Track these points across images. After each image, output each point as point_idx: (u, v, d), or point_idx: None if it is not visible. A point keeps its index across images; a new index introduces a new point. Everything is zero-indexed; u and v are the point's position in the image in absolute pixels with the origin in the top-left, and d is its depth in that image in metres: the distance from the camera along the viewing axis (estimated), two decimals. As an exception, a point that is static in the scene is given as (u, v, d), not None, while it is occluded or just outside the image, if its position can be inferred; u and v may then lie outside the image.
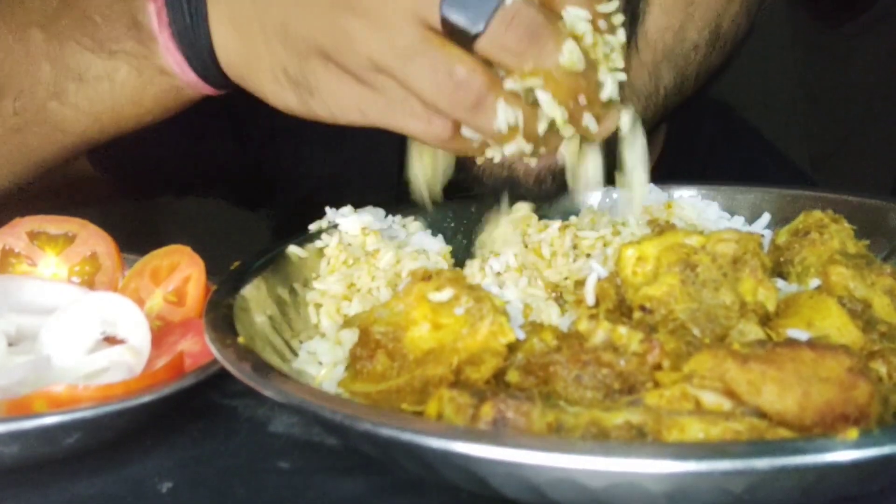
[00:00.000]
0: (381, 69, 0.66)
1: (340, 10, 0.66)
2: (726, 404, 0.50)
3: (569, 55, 0.63)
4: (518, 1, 0.62)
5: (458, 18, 0.63)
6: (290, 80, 0.72)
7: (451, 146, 0.69)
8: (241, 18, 0.74)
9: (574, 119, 0.65)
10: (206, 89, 0.80)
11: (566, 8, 0.64)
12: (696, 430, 0.48)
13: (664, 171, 1.08)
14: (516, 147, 0.66)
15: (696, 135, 1.20)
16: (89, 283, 0.80)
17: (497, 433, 0.49)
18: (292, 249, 0.77)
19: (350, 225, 0.79)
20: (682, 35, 0.87)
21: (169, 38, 0.77)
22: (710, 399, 0.51)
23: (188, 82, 0.79)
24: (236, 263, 0.74)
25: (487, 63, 0.64)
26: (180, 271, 0.77)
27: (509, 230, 0.81)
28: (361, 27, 0.65)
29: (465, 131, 0.67)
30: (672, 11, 0.85)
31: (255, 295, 0.71)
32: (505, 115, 0.64)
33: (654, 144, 1.13)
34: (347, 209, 0.80)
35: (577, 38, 0.64)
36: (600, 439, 0.49)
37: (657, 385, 0.53)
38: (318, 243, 0.78)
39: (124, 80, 0.81)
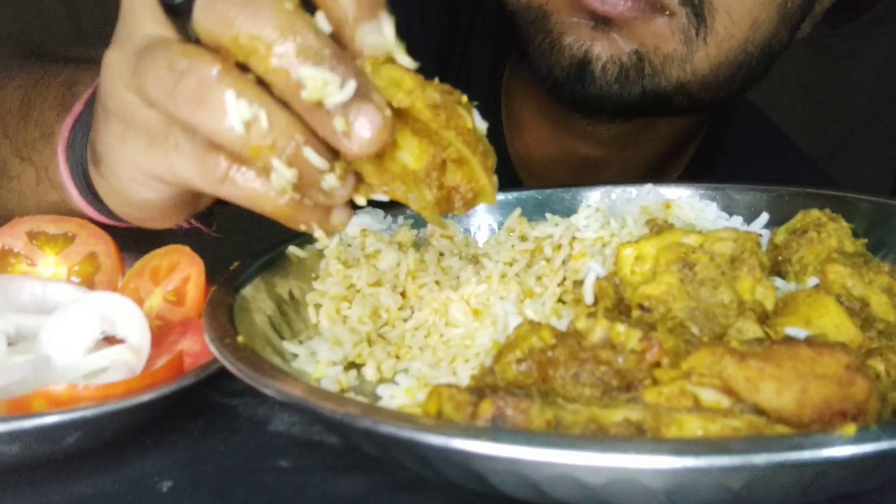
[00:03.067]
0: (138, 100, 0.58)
1: (110, 54, 0.61)
2: (725, 401, 0.51)
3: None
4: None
5: (170, 7, 0.57)
6: (93, 157, 0.67)
7: (229, 191, 0.57)
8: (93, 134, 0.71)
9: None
10: (84, 207, 0.79)
11: None
12: (694, 427, 0.49)
13: (694, 172, 1.13)
14: (275, 179, 0.54)
15: (732, 135, 1.24)
16: (89, 283, 0.80)
17: (496, 430, 0.49)
18: (292, 250, 0.78)
19: (349, 227, 0.79)
20: (743, 47, 0.98)
21: (62, 151, 0.78)
22: (709, 396, 0.51)
23: (72, 197, 0.79)
24: (236, 263, 0.74)
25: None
26: (180, 271, 0.77)
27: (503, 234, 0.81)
28: (115, 57, 0.59)
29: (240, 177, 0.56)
30: (738, 24, 0.96)
31: (255, 295, 0.71)
32: (237, 109, 0.52)
33: (691, 140, 1.18)
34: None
35: None
36: (599, 436, 0.49)
37: (655, 382, 0.53)
38: (317, 245, 0.78)
39: (30, 183, 0.84)
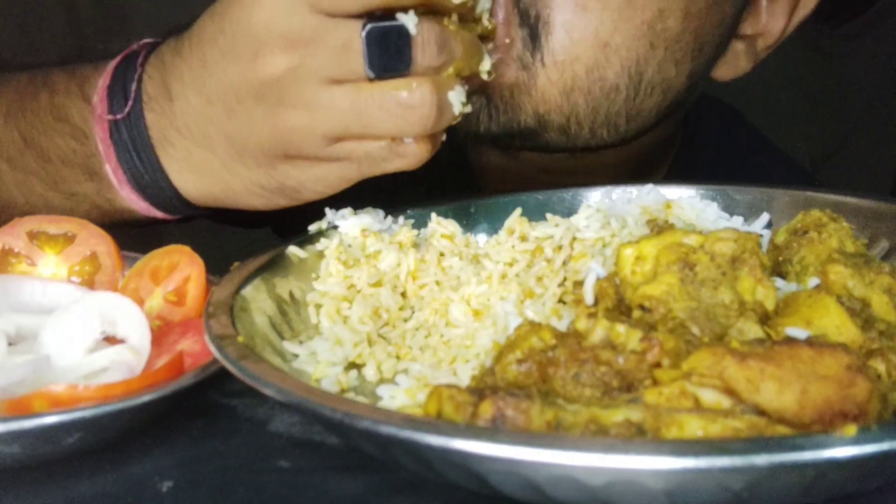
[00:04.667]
0: (339, 138, 0.71)
1: (271, 106, 0.68)
2: (725, 402, 0.51)
3: None
4: (417, 24, 0.70)
5: (385, 68, 0.70)
6: (269, 190, 0.77)
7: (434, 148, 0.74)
8: (193, 158, 0.77)
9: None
10: (175, 218, 0.84)
11: None
12: (695, 428, 0.49)
13: (674, 175, 1.10)
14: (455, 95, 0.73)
15: (706, 141, 1.21)
16: (89, 283, 0.80)
17: (496, 430, 0.49)
18: (292, 250, 0.77)
19: (350, 227, 0.79)
20: (598, 73, 0.91)
21: (131, 192, 0.81)
22: (709, 397, 0.51)
23: (157, 217, 0.83)
24: (236, 263, 0.74)
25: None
26: (180, 271, 0.77)
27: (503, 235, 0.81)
28: (298, 115, 0.68)
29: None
30: (580, 44, 0.89)
31: (255, 295, 0.71)
32: (458, 98, 0.72)
33: (666, 151, 1.15)
34: (347, 211, 0.80)
35: None
36: (599, 437, 0.49)
37: (656, 383, 0.53)
38: (318, 245, 0.78)
39: (87, 212, 0.86)
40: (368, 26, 0.69)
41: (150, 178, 0.81)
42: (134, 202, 0.81)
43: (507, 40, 0.88)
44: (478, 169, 1.18)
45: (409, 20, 0.69)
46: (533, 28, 0.88)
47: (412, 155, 0.72)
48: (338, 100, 0.69)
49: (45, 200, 0.87)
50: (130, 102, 0.78)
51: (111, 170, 0.80)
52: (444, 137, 0.75)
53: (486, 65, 0.79)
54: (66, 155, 0.84)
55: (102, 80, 0.81)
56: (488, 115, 0.93)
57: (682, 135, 1.20)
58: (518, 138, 0.95)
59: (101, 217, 0.84)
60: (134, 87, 0.78)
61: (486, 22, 0.80)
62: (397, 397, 0.63)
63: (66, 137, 0.83)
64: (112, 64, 0.81)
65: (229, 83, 0.73)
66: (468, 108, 0.75)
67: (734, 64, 1.04)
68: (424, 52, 0.69)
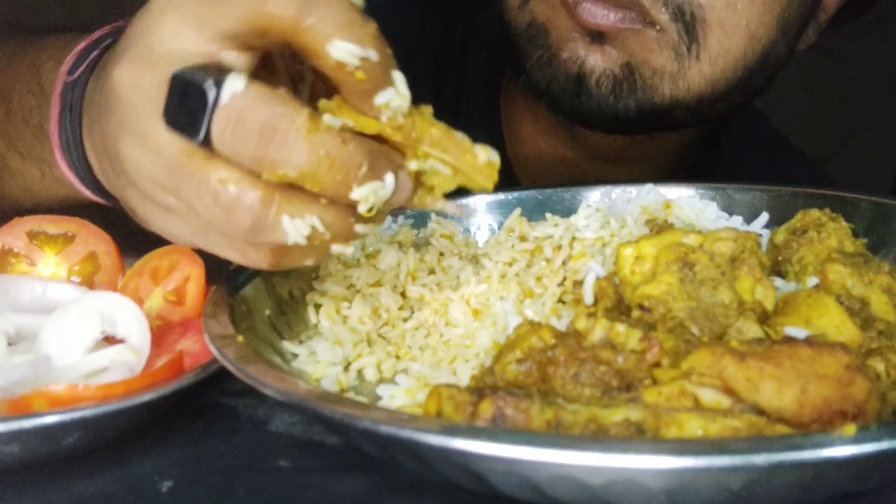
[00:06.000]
0: (166, 192, 0.58)
1: (121, 133, 0.59)
2: (725, 401, 0.51)
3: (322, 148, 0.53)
4: (239, 94, 0.53)
5: (178, 126, 0.55)
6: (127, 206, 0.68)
7: (283, 263, 0.60)
8: (92, 146, 0.72)
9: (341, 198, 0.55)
10: (102, 201, 0.78)
11: (331, 43, 0.53)
12: (694, 427, 0.49)
13: (692, 173, 1.14)
14: (336, 250, 0.58)
15: (728, 138, 1.24)
16: (89, 283, 0.80)
17: (496, 430, 0.49)
18: (292, 249, 0.77)
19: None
20: (743, 62, 0.99)
21: (61, 157, 0.77)
22: (709, 396, 0.51)
23: (90, 197, 0.78)
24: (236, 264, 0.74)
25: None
26: (180, 271, 0.77)
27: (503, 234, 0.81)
28: (133, 149, 0.58)
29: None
30: (733, 38, 0.96)
31: (255, 295, 0.71)
32: (295, 228, 0.55)
33: (687, 148, 1.19)
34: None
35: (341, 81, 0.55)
36: (599, 436, 0.49)
37: (655, 382, 0.53)
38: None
39: (35, 181, 0.83)
40: (176, 71, 0.55)
41: (73, 145, 0.75)
42: (65, 171, 0.77)
43: (657, 28, 0.94)
44: (517, 162, 1.20)
45: (233, 81, 0.53)
46: (689, 25, 0.94)
47: (251, 258, 0.59)
48: (164, 153, 0.56)
49: (3, 161, 0.85)
50: (83, 67, 0.75)
51: (52, 130, 0.76)
52: (309, 262, 0.60)
53: (372, 192, 0.55)
54: (27, 113, 0.82)
55: (80, 45, 0.79)
56: (629, 90, 0.97)
57: (706, 131, 1.23)
58: (648, 118, 1.00)
59: (46, 191, 0.83)
60: (95, 54, 0.74)
61: (399, 119, 0.57)
62: (397, 397, 0.63)
63: (33, 95, 0.81)
64: (97, 33, 0.80)
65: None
66: (347, 250, 0.59)
67: (806, 36, 1.10)
68: (228, 131, 0.53)
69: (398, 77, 0.56)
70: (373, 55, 0.54)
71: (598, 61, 0.96)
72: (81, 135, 0.72)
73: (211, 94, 0.53)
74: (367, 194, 0.55)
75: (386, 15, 0.59)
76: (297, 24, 0.53)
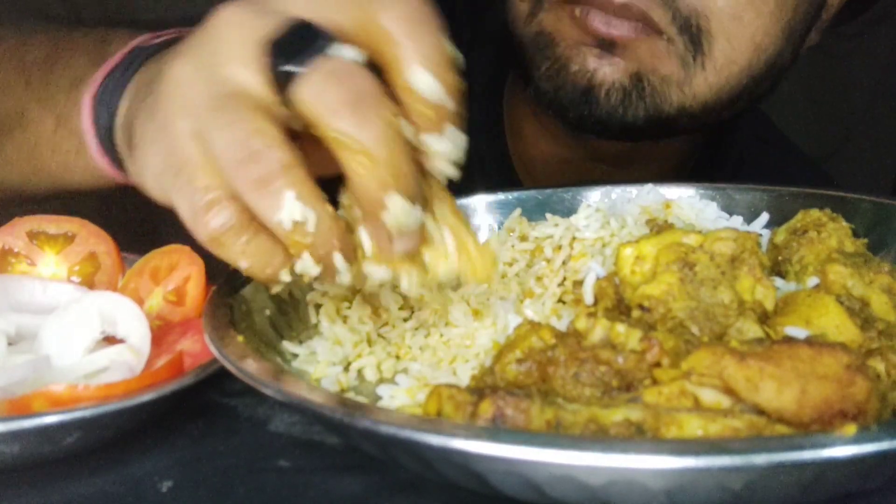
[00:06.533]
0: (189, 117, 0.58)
1: (186, 53, 0.60)
2: (725, 401, 0.51)
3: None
4: (350, 61, 0.55)
5: (280, 51, 0.56)
6: (125, 133, 0.69)
7: (218, 248, 0.58)
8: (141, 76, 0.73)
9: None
10: (99, 159, 0.78)
11: (418, 69, 0.55)
12: (694, 427, 0.49)
13: (696, 174, 1.15)
14: (301, 266, 0.57)
15: (731, 140, 1.24)
16: (89, 283, 0.80)
17: (496, 430, 0.49)
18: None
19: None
20: (748, 72, 1.00)
21: (90, 100, 0.77)
22: (709, 396, 0.51)
23: (91, 149, 0.78)
24: (236, 264, 0.74)
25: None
26: (180, 271, 0.77)
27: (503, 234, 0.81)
28: (188, 68, 0.59)
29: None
30: (738, 49, 0.98)
31: (255, 295, 0.71)
32: (291, 209, 0.54)
33: (691, 151, 1.21)
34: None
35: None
36: (599, 436, 0.49)
37: (655, 382, 0.53)
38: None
39: (46, 131, 0.83)
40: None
41: (112, 96, 0.75)
42: (84, 118, 0.77)
43: (665, 37, 0.95)
44: (521, 162, 1.21)
45: (348, 49, 0.56)
46: (695, 36, 0.96)
47: (193, 215, 0.57)
48: (221, 83, 0.57)
49: (30, 115, 0.85)
50: (161, 40, 0.76)
51: (93, 81, 0.77)
52: (242, 263, 0.58)
53: (403, 213, 0.56)
54: (74, 70, 0.82)
55: (135, 41, 0.78)
56: (638, 99, 0.98)
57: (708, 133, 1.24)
58: (652, 125, 1.01)
59: (52, 149, 0.83)
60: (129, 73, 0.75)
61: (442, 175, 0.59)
62: (397, 397, 0.63)
63: (88, 56, 0.81)
64: (149, 36, 0.79)
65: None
66: (312, 270, 0.57)
67: (809, 38, 1.10)
68: (322, 80, 0.55)
69: (456, 135, 0.58)
70: (449, 104, 0.56)
71: (607, 73, 0.98)
72: (125, 90, 0.73)
73: (327, 45, 0.55)
74: (398, 209, 0.56)
75: None
76: (398, 38, 0.56)
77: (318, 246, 0.57)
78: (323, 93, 0.54)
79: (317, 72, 0.54)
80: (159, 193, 0.61)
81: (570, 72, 0.99)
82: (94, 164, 0.79)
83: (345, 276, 0.58)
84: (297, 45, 0.55)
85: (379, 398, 0.64)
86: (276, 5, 0.58)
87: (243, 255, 0.58)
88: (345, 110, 0.54)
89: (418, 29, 0.56)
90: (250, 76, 0.57)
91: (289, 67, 0.55)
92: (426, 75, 0.55)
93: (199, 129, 0.57)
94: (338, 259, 0.57)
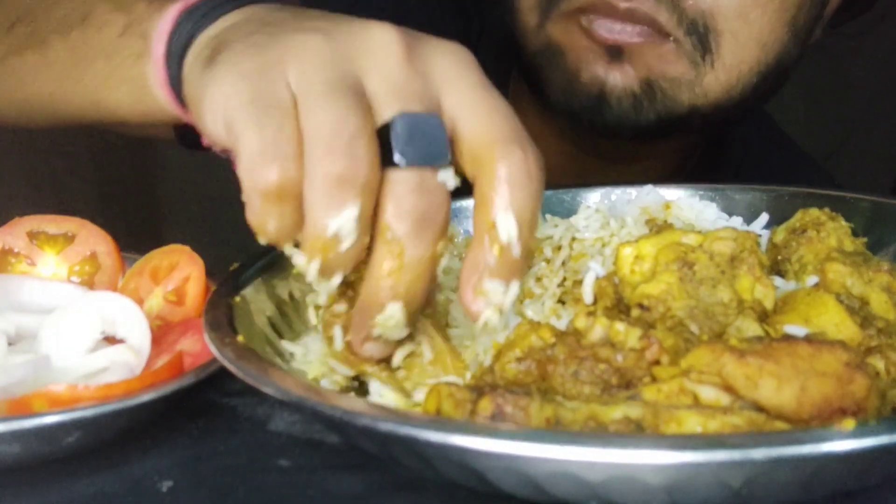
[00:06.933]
0: (299, 81, 0.56)
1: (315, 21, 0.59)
2: (724, 399, 0.51)
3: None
4: (446, 182, 0.55)
5: (410, 156, 0.55)
6: (208, 48, 0.64)
7: (252, 198, 0.55)
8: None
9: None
10: (159, 74, 0.72)
11: (509, 211, 0.56)
12: (694, 425, 0.49)
13: (698, 175, 1.17)
14: (299, 261, 0.57)
15: (731, 141, 1.25)
16: (89, 283, 0.80)
17: (495, 426, 0.49)
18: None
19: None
20: (756, 69, 1.01)
21: (171, 19, 0.71)
22: (708, 393, 0.51)
23: (157, 55, 0.72)
24: (236, 263, 0.74)
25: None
26: (180, 271, 0.77)
27: None
28: (322, 40, 0.57)
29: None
30: (745, 48, 0.99)
31: (254, 295, 0.71)
32: (344, 223, 0.54)
33: (694, 147, 1.21)
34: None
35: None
36: (598, 432, 0.49)
37: (655, 380, 0.53)
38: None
39: (110, 35, 0.77)
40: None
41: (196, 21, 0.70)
42: (159, 43, 0.71)
43: (673, 39, 0.96)
44: None
45: (450, 173, 0.56)
46: (702, 37, 0.97)
47: (266, 171, 0.54)
48: (340, 74, 0.56)
49: (97, 16, 0.79)
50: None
51: (176, 7, 0.71)
52: (288, 252, 0.58)
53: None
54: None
55: None
56: (650, 104, 0.99)
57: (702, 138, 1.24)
58: (664, 126, 1.02)
59: (116, 66, 0.76)
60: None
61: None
62: (385, 395, 0.63)
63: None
64: None
65: None
66: (309, 277, 0.57)
67: (813, 35, 1.11)
68: (406, 189, 0.55)
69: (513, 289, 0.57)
70: (517, 252, 0.56)
71: (617, 80, 0.98)
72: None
73: (442, 159, 0.55)
74: (390, 323, 0.56)
75: (411, 7, 0.58)
76: (509, 183, 0.56)
77: (334, 265, 0.56)
78: (405, 197, 0.54)
79: (413, 173, 0.54)
80: (222, 122, 0.57)
81: (581, 81, 0.99)
82: (149, 77, 0.73)
83: (322, 298, 0.61)
84: (417, 138, 0.55)
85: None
86: (433, 81, 0.57)
87: (268, 217, 0.56)
88: (410, 218, 0.54)
89: (527, 183, 0.56)
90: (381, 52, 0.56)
91: (397, 158, 0.54)
92: (511, 221, 0.56)
93: (305, 93, 0.55)
94: (335, 279, 0.57)
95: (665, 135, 1.06)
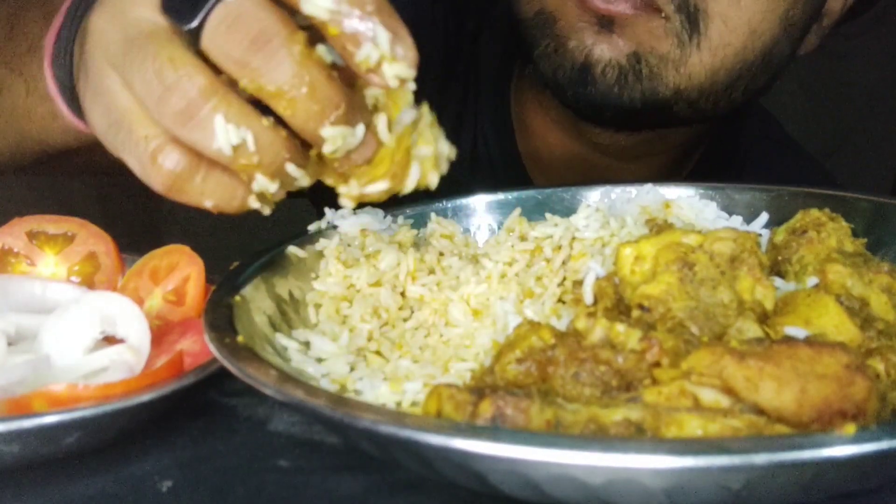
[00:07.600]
0: (113, 68, 0.57)
1: (100, 5, 0.60)
2: (724, 401, 0.51)
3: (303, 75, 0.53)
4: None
5: (175, 8, 0.54)
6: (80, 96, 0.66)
7: (178, 194, 0.57)
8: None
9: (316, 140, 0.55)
10: (72, 120, 0.77)
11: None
12: (694, 427, 0.49)
13: (701, 175, 1.16)
14: (258, 186, 0.56)
15: (736, 142, 1.25)
16: (88, 283, 0.80)
17: (495, 429, 0.49)
18: (292, 250, 0.77)
19: (349, 227, 0.79)
20: (742, 56, 1.01)
21: (49, 64, 0.77)
22: (709, 396, 0.51)
23: (62, 110, 0.78)
24: (236, 263, 0.74)
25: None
26: (179, 271, 0.77)
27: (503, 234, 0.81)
28: (102, 20, 0.58)
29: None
30: (734, 32, 0.99)
31: (254, 295, 0.71)
32: (226, 132, 0.53)
33: (692, 155, 1.22)
34: (346, 210, 0.80)
35: (328, 36, 0.54)
36: (599, 436, 0.49)
37: (655, 382, 0.53)
38: (317, 245, 0.78)
39: (20, 97, 0.83)
40: None
41: (64, 57, 0.74)
42: (49, 82, 0.76)
43: (663, 15, 0.96)
44: (528, 155, 1.22)
45: None
46: (692, 15, 0.97)
47: (142, 167, 0.58)
48: (130, 25, 0.57)
49: (4, 82, 0.85)
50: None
51: (48, 42, 0.76)
52: (207, 203, 0.58)
53: (341, 136, 0.56)
54: (31, 31, 0.82)
55: None
56: (635, 80, 0.99)
57: (714, 132, 1.24)
58: (652, 110, 1.02)
59: (28, 113, 0.83)
60: None
61: (392, 81, 0.56)
62: (380, 394, 0.63)
63: (44, 18, 0.80)
64: None
65: None
66: (271, 186, 0.57)
67: (808, 41, 1.12)
68: (224, 26, 0.53)
69: (380, 32, 0.55)
70: (345, 9, 0.54)
71: (604, 51, 0.99)
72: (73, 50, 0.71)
73: None
74: (335, 136, 0.55)
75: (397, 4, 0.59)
76: None
77: (267, 163, 0.55)
78: (225, 44, 0.53)
79: (213, 22, 0.53)
80: (113, 152, 0.59)
81: (568, 48, 1.00)
82: (70, 125, 0.78)
83: (303, 181, 0.58)
84: None
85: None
86: None
87: (203, 195, 0.57)
88: (249, 56, 0.53)
89: None
90: (151, 11, 0.56)
91: (180, 23, 0.54)
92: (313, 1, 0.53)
93: (123, 76, 0.56)
94: (290, 168, 0.56)
95: (651, 121, 1.06)
